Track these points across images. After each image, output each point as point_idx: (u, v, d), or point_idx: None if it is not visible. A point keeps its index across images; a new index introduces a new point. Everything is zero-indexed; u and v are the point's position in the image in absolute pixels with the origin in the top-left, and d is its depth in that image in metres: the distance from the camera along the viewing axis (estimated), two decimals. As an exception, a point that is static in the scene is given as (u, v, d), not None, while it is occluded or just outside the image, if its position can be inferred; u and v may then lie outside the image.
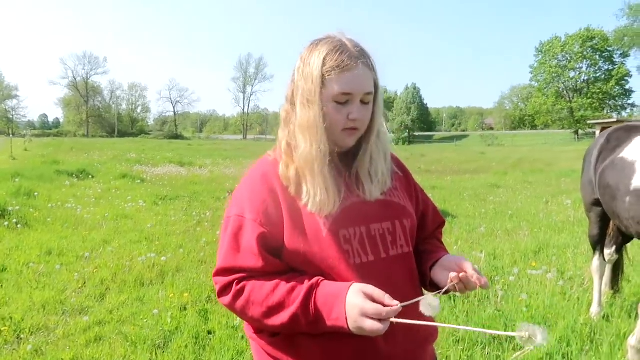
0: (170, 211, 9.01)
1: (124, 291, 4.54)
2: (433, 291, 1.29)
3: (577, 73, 63.45)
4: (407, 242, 1.31)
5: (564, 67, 63.10)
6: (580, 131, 60.01)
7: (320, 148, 1.21)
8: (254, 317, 1.20)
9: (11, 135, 33.80)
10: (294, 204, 1.22)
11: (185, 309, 4.08)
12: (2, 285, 4.63)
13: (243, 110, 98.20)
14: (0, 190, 9.46)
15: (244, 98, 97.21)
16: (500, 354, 3.20)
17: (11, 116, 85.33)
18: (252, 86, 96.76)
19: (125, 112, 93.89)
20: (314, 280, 1.17)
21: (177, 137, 76.32)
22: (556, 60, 63.53)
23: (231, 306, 1.21)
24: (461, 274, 1.19)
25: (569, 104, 62.60)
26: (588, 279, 4.47)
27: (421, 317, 1.19)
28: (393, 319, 1.06)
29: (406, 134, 76.46)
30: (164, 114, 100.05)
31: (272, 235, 1.20)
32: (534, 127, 79.46)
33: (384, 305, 1.06)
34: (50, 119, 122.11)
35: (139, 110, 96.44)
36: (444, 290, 1.21)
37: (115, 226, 7.46)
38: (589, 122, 53.68)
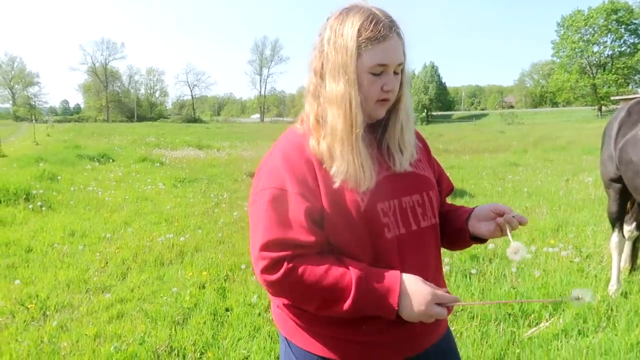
0: (189, 193, 9.13)
1: (144, 270, 4.65)
2: (474, 244, 1.39)
3: (601, 47, 61.58)
4: (434, 214, 1.33)
5: (587, 42, 61.31)
6: (603, 108, 58.50)
7: (353, 121, 1.18)
8: (303, 297, 1.18)
9: (34, 121, 34.45)
10: (330, 178, 1.19)
11: (203, 287, 4.17)
12: (28, 265, 4.79)
13: (260, 92, 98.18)
14: (24, 174, 9.70)
15: (260, 80, 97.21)
16: (515, 329, 3.21)
17: (33, 103, 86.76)
18: (269, 68, 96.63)
19: (144, 96, 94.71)
20: (360, 265, 1.16)
21: (195, 120, 76.85)
22: (579, 35, 61.73)
23: (278, 283, 1.15)
24: (505, 217, 1.26)
25: (592, 80, 60.94)
26: (607, 256, 4.43)
27: None
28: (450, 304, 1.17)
29: (424, 114, 75.58)
30: (181, 98, 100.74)
31: (315, 208, 1.17)
32: (555, 104, 77.80)
33: None
34: (71, 105, 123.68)
35: (157, 94, 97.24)
36: (510, 237, 1.26)
37: (136, 208, 7.60)
38: (612, 98, 52.29)
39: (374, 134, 1.29)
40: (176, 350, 3.08)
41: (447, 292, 1.39)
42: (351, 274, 1.14)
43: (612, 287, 3.78)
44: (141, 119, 79.38)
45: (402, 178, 1.28)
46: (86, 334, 3.29)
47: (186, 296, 3.86)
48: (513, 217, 1.27)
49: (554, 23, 71.22)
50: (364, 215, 1.18)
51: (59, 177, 9.96)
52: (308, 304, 1.19)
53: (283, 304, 1.27)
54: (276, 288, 1.18)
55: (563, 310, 3.45)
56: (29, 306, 3.70)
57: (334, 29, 1.20)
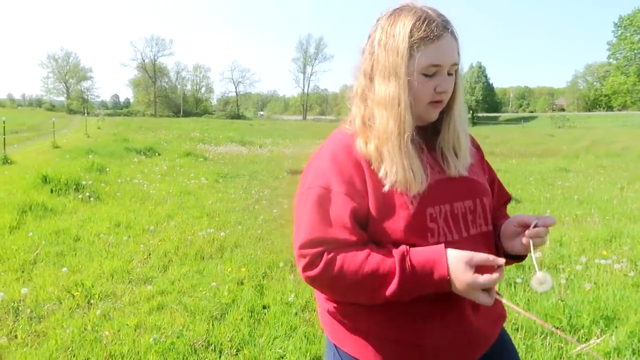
0: (230, 189, 9.25)
1: (185, 264, 4.72)
2: (510, 262, 1.31)
3: (663, 49, 58.34)
4: (487, 221, 1.28)
5: (647, 43, 58.21)
6: (663, 113, 55.43)
7: (401, 124, 1.15)
8: (347, 287, 1.13)
9: (86, 115, 35.95)
10: (379, 180, 1.16)
11: (242, 283, 4.18)
12: (75, 254, 4.95)
13: (303, 90, 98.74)
14: (75, 165, 10.12)
15: (304, 78, 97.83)
16: (562, 345, 3.05)
17: (86, 96, 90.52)
18: (312, 66, 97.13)
19: (190, 92, 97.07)
20: (402, 247, 1.12)
21: (238, 117, 78.21)
22: (638, 36, 58.71)
23: (320, 277, 1.13)
24: (528, 232, 1.18)
25: (651, 83, 57.84)
26: (665, 271, 4.15)
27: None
28: (499, 298, 1.14)
29: (470, 115, 73.94)
30: (226, 95, 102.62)
31: (361, 209, 1.15)
32: (609, 108, 74.35)
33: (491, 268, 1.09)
34: (121, 99, 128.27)
35: (202, 90, 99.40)
36: (535, 258, 1.18)
37: (179, 202, 7.76)
38: (673, 103, 49.49)
39: (426, 137, 1.25)
40: (213, 345, 3.10)
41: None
42: (393, 254, 1.11)
43: (671, 305, 3.54)
44: (187, 114, 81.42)
45: (455, 182, 1.24)
46: (127, 324, 3.36)
47: (224, 291, 3.89)
48: (536, 225, 1.17)
49: (611, 23, 68.02)
50: (411, 219, 1.14)
51: (107, 169, 10.32)
52: (353, 294, 1.14)
53: (334, 308, 1.23)
54: (319, 283, 1.16)
55: (616, 327, 3.25)
56: (74, 294, 3.82)
57: (384, 30, 1.17)
